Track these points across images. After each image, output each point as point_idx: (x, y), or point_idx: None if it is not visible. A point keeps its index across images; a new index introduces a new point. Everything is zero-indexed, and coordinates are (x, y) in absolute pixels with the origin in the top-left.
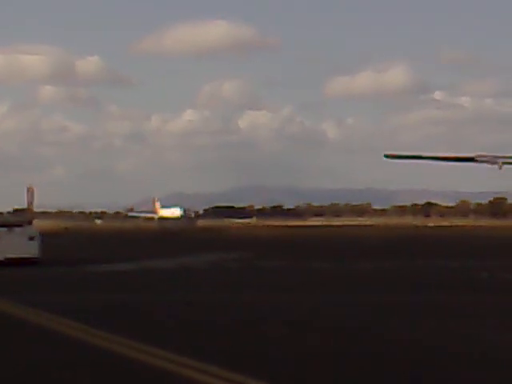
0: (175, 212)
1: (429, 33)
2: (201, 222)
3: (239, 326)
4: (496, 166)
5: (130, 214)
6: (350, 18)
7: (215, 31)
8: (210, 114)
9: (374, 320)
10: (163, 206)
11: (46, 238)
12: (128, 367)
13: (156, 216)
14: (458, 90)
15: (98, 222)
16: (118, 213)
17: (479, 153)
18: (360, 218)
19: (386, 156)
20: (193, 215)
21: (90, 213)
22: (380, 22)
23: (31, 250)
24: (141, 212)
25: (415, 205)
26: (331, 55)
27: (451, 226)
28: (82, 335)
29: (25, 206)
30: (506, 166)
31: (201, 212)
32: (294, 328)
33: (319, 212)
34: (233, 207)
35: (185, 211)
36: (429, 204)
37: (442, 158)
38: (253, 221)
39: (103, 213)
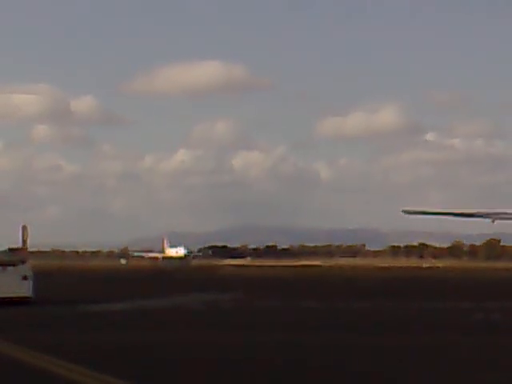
0: (179, 251)
1: (421, 74)
2: (195, 262)
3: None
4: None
5: (136, 253)
6: (342, 59)
7: (208, 71)
8: (202, 153)
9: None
10: (171, 246)
11: (41, 277)
12: None
13: (160, 255)
14: (450, 131)
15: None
16: (111, 252)
17: (479, 210)
18: (353, 259)
19: (405, 212)
20: (192, 255)
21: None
22: (372, 63)
23: (24, 289)
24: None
25: (409, 246)
26: (323, 95)
27: (445, 268)
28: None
29: (19, 244)
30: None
31: (196, 252)
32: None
33: (313, 252)
34: (226, 247)
35: (189, 251)
36: (423, 245)
37: (449, 214)
38: (247, 261)
39: (98, 252)
